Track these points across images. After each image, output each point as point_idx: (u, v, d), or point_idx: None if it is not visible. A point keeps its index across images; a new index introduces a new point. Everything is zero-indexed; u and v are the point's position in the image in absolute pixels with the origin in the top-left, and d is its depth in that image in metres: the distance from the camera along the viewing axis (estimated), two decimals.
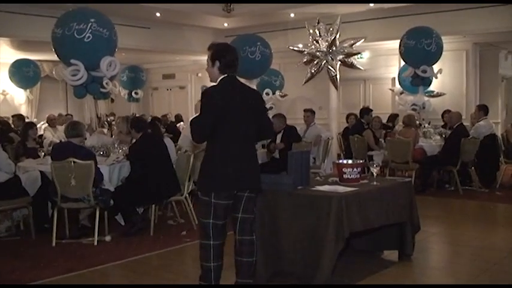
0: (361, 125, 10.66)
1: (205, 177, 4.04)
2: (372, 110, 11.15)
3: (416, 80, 11.38)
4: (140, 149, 6.66)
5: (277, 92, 12.80)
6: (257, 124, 4.15)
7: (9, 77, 14.91)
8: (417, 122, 11.42)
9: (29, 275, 5.13)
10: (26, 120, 11.97)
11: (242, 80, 12.71)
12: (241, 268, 4.19)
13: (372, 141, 10.03)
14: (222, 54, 4.08)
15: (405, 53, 11.28)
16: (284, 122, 9.14)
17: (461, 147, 9.27)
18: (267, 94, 12.39)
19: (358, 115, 11.22)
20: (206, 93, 4.03)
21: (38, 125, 12.00)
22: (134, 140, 6.95)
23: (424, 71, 11.13)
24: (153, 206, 6.63)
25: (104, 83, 8.35)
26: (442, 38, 11.27)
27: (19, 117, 11.72)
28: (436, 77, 11.72)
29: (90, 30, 7.89)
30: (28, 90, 15.48)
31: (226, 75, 4.07)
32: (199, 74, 17.93)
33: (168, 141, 7.53)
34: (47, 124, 12.44)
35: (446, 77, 13.03)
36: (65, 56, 8.19)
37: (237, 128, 4.03)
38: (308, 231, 4.51)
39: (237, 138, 4.03)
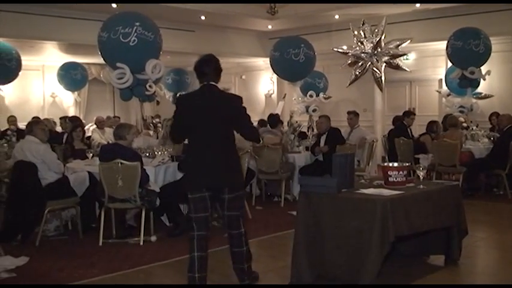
0: (403, 127, 10.52)
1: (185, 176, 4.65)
2: (414, 114, 10.97)
3: (463, 81, 11.17)
4: None
5: (321, 94, 12.74)
6: (235, 128, 4.60)
7: (58, 80, 15.26)
8: (464, 124, 11.21)
9: (76, 274, 5.24)
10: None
11: (286, 82, 12.68)
12: (233, 256, 4.69)
13: (430, 146, 9.82)
14: (196, 66, 4.63)
15: (452, 54, 11.09)
16: (329, 124, 9.10)
17: (511, 150, 9.05)
18: (311, 96, 12.34)
19: (402, 116, 11.06)
20: (176, 100, 4.66)
21: (86, 127, 12.25)
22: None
23: (472, 73, 10.91)
24: None
25: (147, 86, 8.47)
26: (491, 39, 11.03)
27: (70, 119, 11.94)
28: (484, 79, 11.47)
29: (135, 34, 8.00)
30: (76, 92, 15.82)
31: (203, 83, 4.56)
32: (243, 77, 18.01)
33: None
34: (95, 126, 12.67)
35: (495, 78, 12.73)
36: (110, 59, 8.33)
37: (208, 130, 4.44)
38: (353, 235, 4.47)
39: (205, 142, 4.45)
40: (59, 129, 12.24)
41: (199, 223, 4.52)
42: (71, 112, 15.63)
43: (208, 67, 4.57)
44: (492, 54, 11.14)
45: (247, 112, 4.65)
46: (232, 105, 4.58)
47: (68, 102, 16.08)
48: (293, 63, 11.06)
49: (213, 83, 4.56)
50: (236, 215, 4.62)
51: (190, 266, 4.51)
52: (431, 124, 10.28)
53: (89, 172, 6.98)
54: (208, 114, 4.44)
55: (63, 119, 12.47)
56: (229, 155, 4.55)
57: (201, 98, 4.54)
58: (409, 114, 10.84)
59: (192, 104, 4.51)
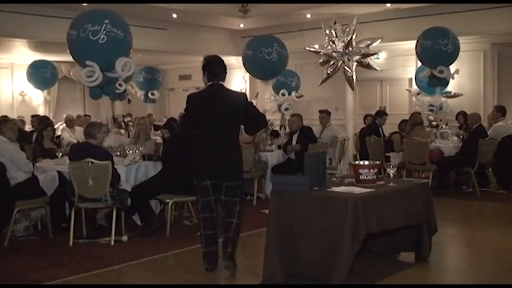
0: (375, 126, 10.63)
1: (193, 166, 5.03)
2: (386, 114, 11.08)
3: (433, 80, 11.30)
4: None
5: (293, 93, 12.79)
6: (242, 121, 5.09)
7: (27, 78, 15.05)
8: (434, 123, 11.34)
9: (46, 275, 5.17)
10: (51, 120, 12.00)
11: (258, 81, 12.72)
12: (224, 225, 5.09)
13: (399, 145, 9.92)
14: (208, 66, 5.00)
15: (422, 53, 11.21)
16: (301, 122, 9.14)
17: (479, 148, 9.19)
18: (283, 95, 12.37)
19: (374, 116, 11.17)
20: (187, 97, 5.00)
21: (56, 126, 12.08)
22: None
23: (441, 72, 11.04)
24: (169, 205, 6.63)
25: (117, 84, 8.40)
26: (460, 38, 11.18)
27: (39, 118, 11.75)
28: (453, 78, 11.62)
29: (104, 32, 7.93)
30: (46, 91, 15.59)
31: (211, 82, 4.98)
32: None
33: None
34: (64, 125, 12.51)
35: (464, 77, 12.93)
36: (80, 57, 8.25)
37: (215, 126, 4.90)
38: (324, 233, 4.50)
39: (214, 135, 4.91)
40: (29, 127, 12.06)
41: (203, 207, 5.00)
42: (41, 111, 15.41)
43: (220, 68, 5.02)
44: (461, 53, 11.29)
45: None
46: (242, 100, 5.07)
47: (37, 100, 15.84)
48: (266, 62, 11.07)
49: (222, 83, 5.02)
50: (234, 201, 5.04)
51: (201, 242, 5.06)
52: (402, 123, 10.41)
53: (58, 171, 6.89)
54: (219, 111, 4.90)
55: (35, 117, 12.29)
56: (233, 149, 5.02)
57: (214, 96, 4.95)
58: (382, 114, 10.94)
59: (204, 102, 4.93)
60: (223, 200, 5.06)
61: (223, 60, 5.08)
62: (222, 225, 5.11)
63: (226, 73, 5.06)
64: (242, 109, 5.00)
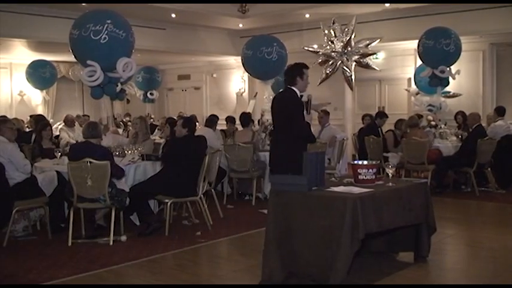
0: (375, 126, 10.63)
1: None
2: (387, 116, 11.08)
3: (434, 80, 11.28)
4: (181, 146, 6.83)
5: None
6: (286, 123, 5.70)
7: (26, 78, 15.03)
8: (433, 123, 11.35)
9: (45, 275, 5.16)
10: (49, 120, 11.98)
11: (257, 81, 12.72)
12: None
13: (392, 143, 9.94)
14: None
15: (424, 53, 11.17)
16: None
17: (478, 148, 9.20)
18: None
19: (374, 116, 11.17)
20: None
21: (54, 126, 12.08)
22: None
23: (443, 72, 11.03)
24: (168, 205, 6.63)
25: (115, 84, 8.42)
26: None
27: (37, 118, 11.78)
28: (454, 78, 11.61)
29: (106, 32, 7.93)
30: (45, 91, 15.58)
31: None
32: (214, 75, 17.97)
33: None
34: (63, 124, 12.51)
35: (463, 77, 12.90)
36: (81, 57, 8.25)
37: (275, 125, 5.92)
38: (323, 232, 4.50)
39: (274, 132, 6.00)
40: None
41: None
42: (40, 110, 15.40)
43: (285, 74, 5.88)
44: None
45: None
46: (283, 102, 5.74)
47: (36, 100, 15.83)
48: (266, 62, 11.05)
49: (290, 86, 5.78)
50: None
51: None
52: (398, 122, 10.43)
53: (57, 171, 6.89)
54: (275, 111, 5.81)
55: (33, 117, 12.28)
56: (279, 142, 5.80)
57: (274, 98, 5.95)
58: (382, 115, 10.95)
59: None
60: None
61: (289, 67, 6.01)
62: None
63: (289, 76, 5.79)
64: (281, 112, 5.73)
